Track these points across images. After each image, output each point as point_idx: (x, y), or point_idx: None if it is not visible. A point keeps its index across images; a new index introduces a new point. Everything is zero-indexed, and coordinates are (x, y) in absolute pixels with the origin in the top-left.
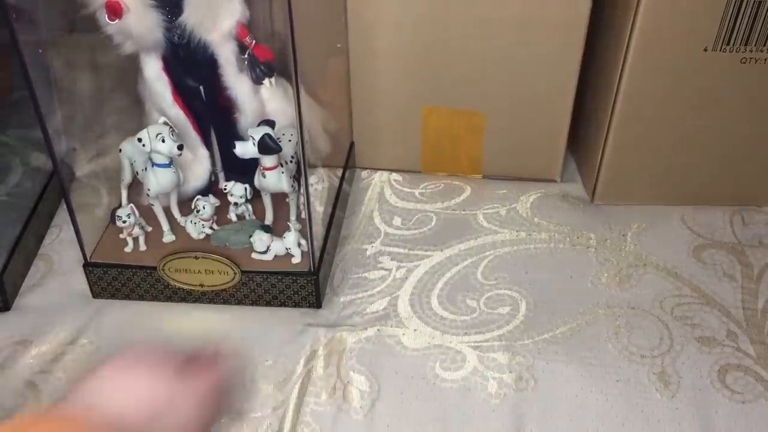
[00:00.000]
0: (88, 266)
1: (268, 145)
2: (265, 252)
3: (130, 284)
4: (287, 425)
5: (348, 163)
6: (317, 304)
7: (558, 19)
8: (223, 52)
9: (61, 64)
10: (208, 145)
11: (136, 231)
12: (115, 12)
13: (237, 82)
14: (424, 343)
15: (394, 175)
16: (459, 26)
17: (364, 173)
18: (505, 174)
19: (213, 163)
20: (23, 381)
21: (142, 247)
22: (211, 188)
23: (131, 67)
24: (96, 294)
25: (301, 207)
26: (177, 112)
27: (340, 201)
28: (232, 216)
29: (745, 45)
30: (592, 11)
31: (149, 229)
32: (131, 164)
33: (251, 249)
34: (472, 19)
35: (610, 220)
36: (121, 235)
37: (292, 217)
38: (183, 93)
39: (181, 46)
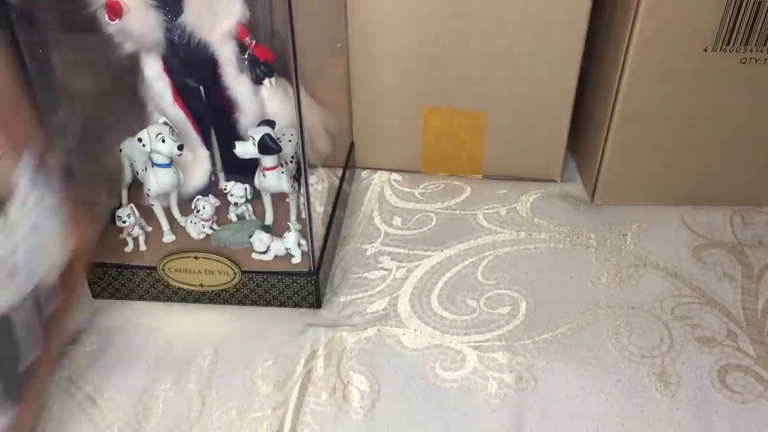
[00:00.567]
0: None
1: (268, 146)
2: (265, 252)
3: (130, 284)
4: (287, 425)
5: (348, 163)
6: (317, 304)
7: (558, 18)
8: (224, 52)
9: (61, 64)
10: (208, 145)
11: (136, 231)
12: (116, 12)
13: (237, 82)
14: (424, 343)
15: (394, 175)
16: (459, 26)
17: (364, 173)
18: (505, 174)
19: (213, 163)
20: None
21: (142, 247)
22: (211, 188)
23: (132, 66)
24: (96, 294)
25: (302, 207)
26: (177, 112)
27: (340, 201)
28: (233, 216)
29: (745, 45)
30: (592, 11)
31: (149, 229)
32: (131, 164)
33: (251, 249)
34: (472, 19)
35: (610, 220)
36: (121, 235)
37: (293, 218)
38: (183, 93)
39: (181, 46)
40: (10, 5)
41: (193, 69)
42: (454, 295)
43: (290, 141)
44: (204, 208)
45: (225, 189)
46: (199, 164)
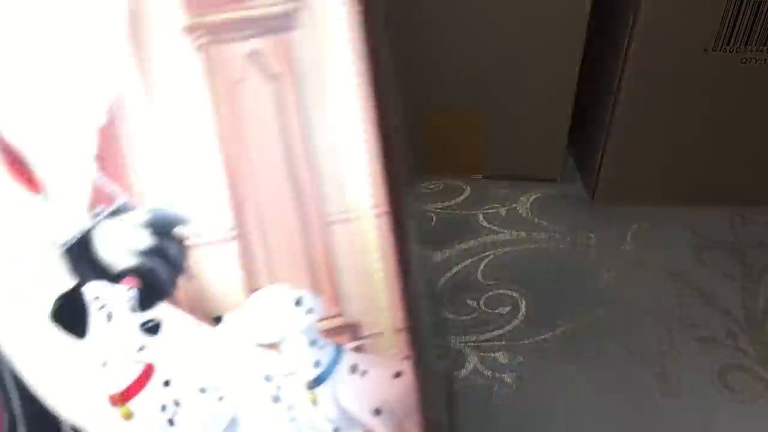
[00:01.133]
0: None
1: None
2: None
3: None
4: None
5: None
6: None
7: (558, 18)
8: None
9: None
10: None
11: None
12: None
13: None
14: None
15: None
16: (459, 26)
17: None
18: (505, 174)
19: None
20: None
21: None
22: None
23: None
24: None
25: None
26: None
27: None
28: None
29: (746, 45)
30: (592, 11)
31: None
32: None
33: None
34: (472, 19)
35: (610, 220)
36: None
37: None
38: None
39: None
40: None
41: None
42: (454, 295)
43: None
44: None
45: None
46: None
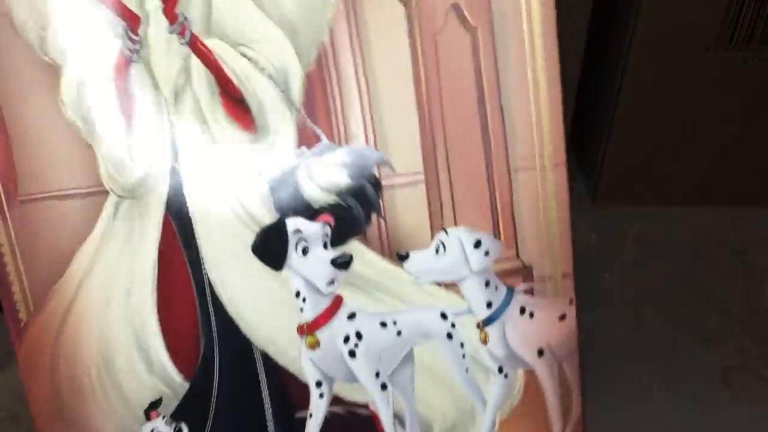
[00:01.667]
0: None
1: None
2: None
3: None
4: None
5: None
6: None
7: (558, 18)
8: None
9: None
10: None
11: None
12: None
13: None
14: None
15: None
16: None
17: None
18: None
19: None
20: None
21: None
22: None
23: None
24: None
25: None
26: None
27: None
28: None
29: (747, 44)
30: (592, 11)
31: None
32: None
33: None
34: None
35: (611, 220)
36: None
37: None
38: None
39: None
40: None
41: None
42: None
43: None
44: None
45: None
46: None
